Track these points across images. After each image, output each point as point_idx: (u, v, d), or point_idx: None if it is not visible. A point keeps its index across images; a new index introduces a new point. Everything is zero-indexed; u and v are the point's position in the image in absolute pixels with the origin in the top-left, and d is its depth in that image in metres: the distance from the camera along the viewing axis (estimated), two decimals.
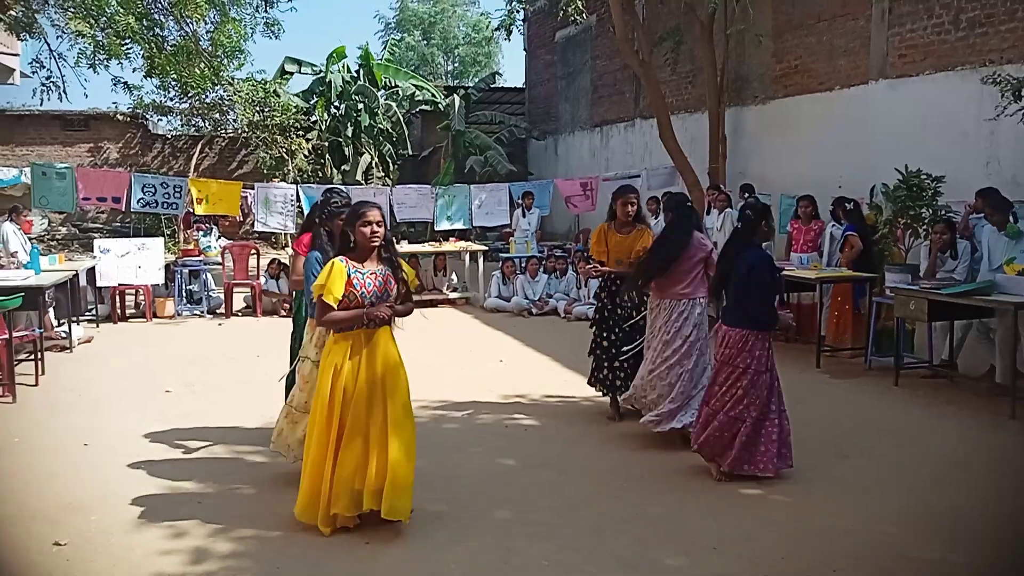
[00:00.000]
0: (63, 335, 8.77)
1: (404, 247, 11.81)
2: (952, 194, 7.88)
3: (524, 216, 13.07)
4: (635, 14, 13.50)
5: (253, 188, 12.30)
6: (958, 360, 7.41)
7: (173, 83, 16.00)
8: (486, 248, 13.12)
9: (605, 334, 6.15)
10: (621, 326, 6.06)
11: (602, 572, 3.83)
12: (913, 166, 8.01)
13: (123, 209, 12.51)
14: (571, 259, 12.34)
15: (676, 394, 5.46)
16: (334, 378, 4.05)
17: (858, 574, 3.81)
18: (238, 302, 11.34)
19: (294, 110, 18.22)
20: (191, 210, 12.25)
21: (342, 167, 19.41)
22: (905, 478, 4.97)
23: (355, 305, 4.04)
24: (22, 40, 14.47)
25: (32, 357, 7.51)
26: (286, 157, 18.21)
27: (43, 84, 13.86)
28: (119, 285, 10.54)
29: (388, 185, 15.77)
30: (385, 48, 23.82)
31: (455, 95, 19.96)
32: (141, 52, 14.08)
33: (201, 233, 13.27)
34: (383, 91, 20.30)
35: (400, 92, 20.35)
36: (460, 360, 8.34)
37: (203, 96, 17.04)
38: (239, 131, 18.85)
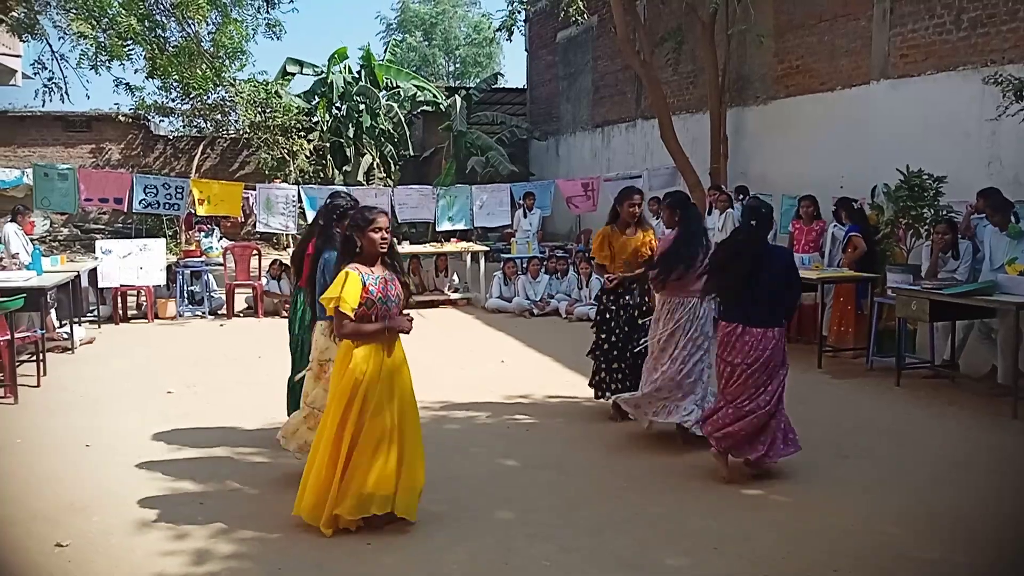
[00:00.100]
0: (65, 336, 8.78)
1: (406, 248, 11.84)
2: (953, 194, 7.87)
3: (525, 217, 13.08)
4: (636, 14, 13.51)
5: (255, 189, 12.32)
6: (960, 360, 7.40)
7: (175, 84, 16.00)
8: (487, 249, 13.13)
9: (605, 335, 6.16)
10: (623, 328, 6.05)
11: (603, 572, 3.83)
12: (915, 166, 8.01)
13: (125, 210, 12.52)
14: (572, 260, 12.34)
15: (699, 388, 5.51)
16: (355, 383, 4.07)
17: (858, 574, 3.81)
18: (240, 303, 11.35)
19: (296, 111, 18.25)
20: (193, 211, 12.25)
21: (344, 168, 19.43)
22: (906, 478, 4.97)
23: (373, 311, 4.09)
24: (24, 41, 14.52)
25: (34, 358, 7.53)
26: (288, 158, 18.23)
27: (45, 85, 13.90)
28: (121, 286, 10.55)
29: (390, 186, 15.78)
30: (386, 49, 23.86)
31: (456, 96, 19.97)
32: (143, 53, 14.11)
33: (203, 234, 13.27)
34: (384, 92, 20.33)
35: (401, 93, 20.38)
36: (461, 360, 8.34)
37: (205, 97, 17.04)
38: (241, 132, 18.86)
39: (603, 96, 17.41)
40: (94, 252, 11.26)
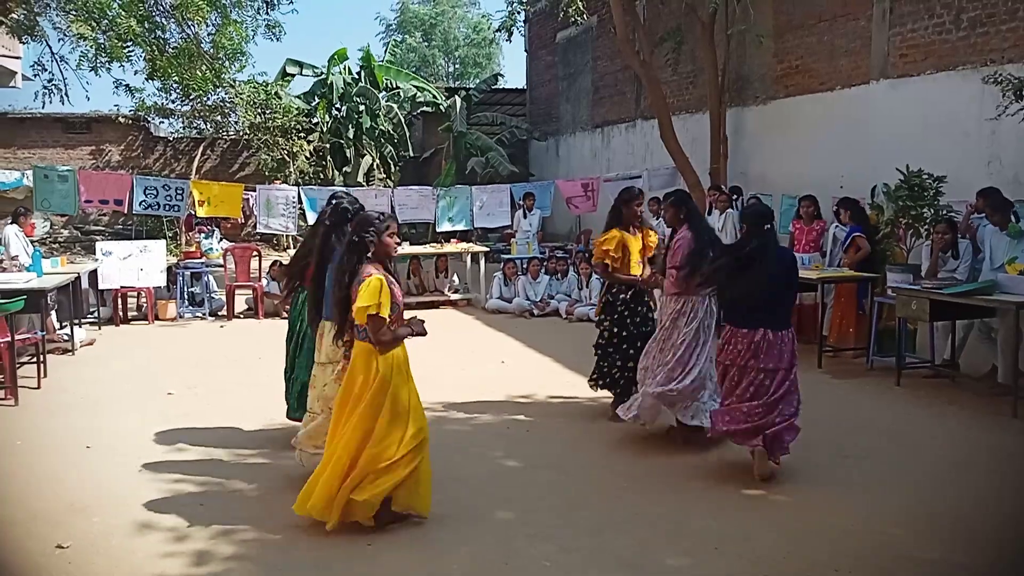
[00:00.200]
0: (65, 337, 8.78)
1: (406, 248, 11.82)
2: (953, 194, 7.87)
3: (525, 217, 13.07)
4: (636, 15, 13.51)
5: (255, 190, 12.32)
6: (960, 360, 7.40)
7: (175, 85, 16.02)
8: (487, 249, 13.12)
9: (617, 330, 6.10)
10: (641, 328, 6.02)
11: (603, 572, 3.84)
12: (914, 166, 8.00)
13: (125, 211, 12.55)
14: (572, 260, 12.34)
15: (710, 384, 5.50)
16: (377, 384, 4.11)
17: (859, 574, 3.81)
18: (240, 304, 11.35)
19: (295, 112, 18.25)
20: (193, 212, 12.26)
21: (344, 169, 19.43)
22: (906, 478, 4.97)
23: (394, 316, 4.19)
24: (24, 43, 14.54)
25: (34, 360, 7.53)
26: (288, 159, 18.23)
27: (45, 87, 13.90)
28: (121, 287, 10.56)
29: (390, 187, 15.79)
30: (386, 50, 23.86)
31: (456, 96, 19.96)
32: (143, 55, 14.13)
33: (203, 235, 13.27)
34: (384, 93, 20.32)
35: (401, 94, 20.38)
36: (461, 361, 8.34)
37: (205, 98, 17.05)
38: (241, 133, 18.86)
39: (603, 96, 17.41)
40: (94, 254, 11.26)
